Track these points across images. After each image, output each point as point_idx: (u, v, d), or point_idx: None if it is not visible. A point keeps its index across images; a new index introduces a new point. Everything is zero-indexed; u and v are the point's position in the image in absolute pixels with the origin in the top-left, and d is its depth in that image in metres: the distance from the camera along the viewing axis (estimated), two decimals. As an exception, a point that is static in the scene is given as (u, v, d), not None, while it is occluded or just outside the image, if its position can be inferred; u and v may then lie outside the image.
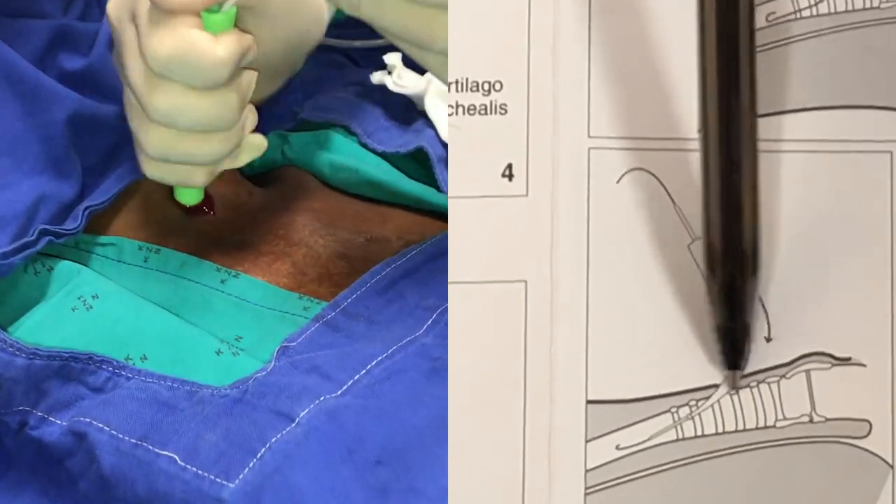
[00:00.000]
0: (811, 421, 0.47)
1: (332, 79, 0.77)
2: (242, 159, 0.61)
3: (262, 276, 0.65)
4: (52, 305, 0.61)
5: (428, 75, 0.68)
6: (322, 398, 0.52)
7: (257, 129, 0.76)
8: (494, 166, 0.47)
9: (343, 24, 0.79)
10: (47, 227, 0.62)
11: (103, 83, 0.68)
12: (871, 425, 0.47)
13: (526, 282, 0.47)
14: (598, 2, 0.48)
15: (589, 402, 0.47)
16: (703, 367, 0.47)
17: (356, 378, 0.53)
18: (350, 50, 0.79)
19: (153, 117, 0.57)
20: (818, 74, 0.47)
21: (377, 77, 0.70)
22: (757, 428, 0.47)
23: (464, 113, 0.47)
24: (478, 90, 0.47)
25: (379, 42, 0.75)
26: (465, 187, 0.47)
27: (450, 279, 0.47)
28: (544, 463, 0.47)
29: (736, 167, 0.44)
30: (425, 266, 0.60)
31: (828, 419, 0.47)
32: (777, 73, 0.48)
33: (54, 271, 0.63)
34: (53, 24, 0.70)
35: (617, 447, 0.47)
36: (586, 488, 0.47)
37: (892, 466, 0.47)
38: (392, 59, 0.69)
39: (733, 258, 0.45)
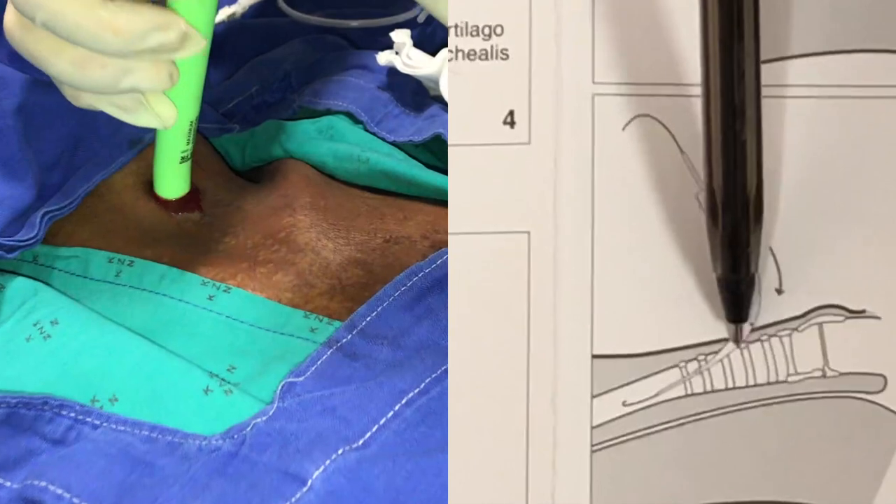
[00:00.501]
0: (824, 376, 0.46)
1: (330, 62, 0.69)
2: (138, 118, 0.50)
3: (259, 291, 0.54)
4: (1, 334, 0.51)
5: (442, 54, 0.62)
6: (340, 451, 0.43)
7: (249, 120, 0.66)
8: (495, 113, 0.46)
9: (339, 4, 0.73)
10: None
11: None
12: (885, 380, 0.45)
13: (529, 233, 0.46)
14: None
15: (594, 356, 0.46)
16: (712, 321, 0.46)
17: (382, 422, 0.44)
18: (347, 31, 0.73)
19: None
20: (827, 17, 0.46)
21: (384, 57, 0.63)
22: (768, 383, 0.46)
23: (464, 58, 0.46)
24: (478, 34, 0.46)
25: (379, 22, 0.70)
26: (466, 135, 0.45)
27: (450, 230, 0.45)
28: (549, 420, 0.45)
29: (739, 113, 0.43)
30: None
31: (841, 374, 0.46)
32: (784, 17, 0.46)
33: (5, 291, 0.53)
34: None
35: (623, 403, 0.46)
36: (592, 445, 0.45)
37: (907, 422, 0.46)
38: (400, 36, 0.62)
39: (736, 206, 0.43)
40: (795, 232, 0.46)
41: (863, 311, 0.46)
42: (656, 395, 0.46)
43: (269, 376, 0.49)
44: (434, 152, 0.64)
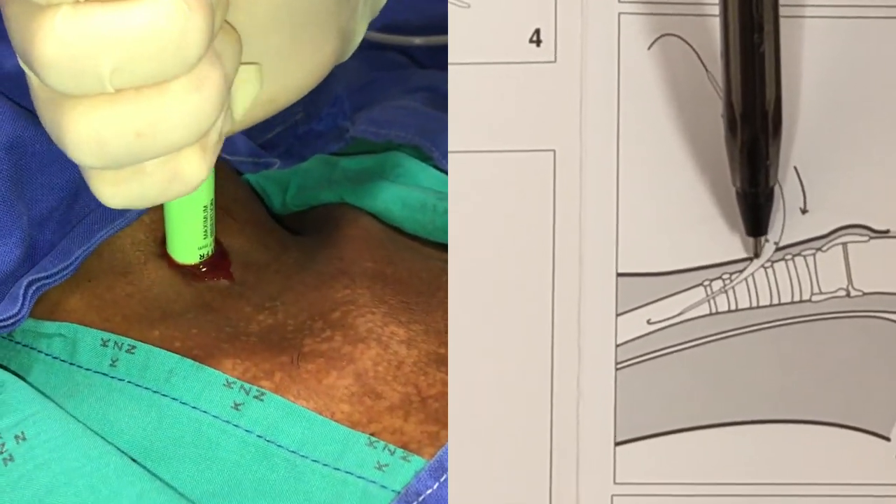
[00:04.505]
0: (848, 295, 0.46)
1: (389, 83, 0.59)
2: (239, 108, 0.39)
3: (304, 399, 0.42)
4: None
5: None
6: None
7: (293, 154, 0.56)
8: (521, 32, 0.46)
9: (400, 14, 0.60)
10: None
11: None
12: None
13: (554, 151, 0.46)
14: None
15: (619, 275, 0.46)
16: (736, 240, 0.46)
17: None
18: (409, 48, 0.63)
19: (53, 80, 0.34)
20: None
21: None
22: (792, 302, 0.46)
23: (490, -24, 0.46)
24: (504, -47, 0.46)
25: (446, 39, 0.62)
26: (492, 53, 0.46)
27: (450, 148, 0.45)
28: (574, 337, 0.46)
29: (757, 25, 0.43)
30: None
31: (865, 293, 0.46)
32: None
33: None
34: None
35: (648, 322, 0.46)
36: (617, 363, 0.46)
37: (931, 341, 0.46)
38: None
39: (754, 118, 0.44)
40: (820, 152, 0.46)
41: (887, 231, 0.46)
42: (681, 313, 0.46)
43: None
44: None
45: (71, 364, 0.42)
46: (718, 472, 0.46)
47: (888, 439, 0.46)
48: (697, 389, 0.46)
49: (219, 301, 0.45)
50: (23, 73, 0.38)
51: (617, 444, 0.46)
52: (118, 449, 0.40)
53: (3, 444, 0.39)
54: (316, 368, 0.42)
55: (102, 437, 0.40)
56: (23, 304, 0.42)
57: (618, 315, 0.46)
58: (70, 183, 0.44)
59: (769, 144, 0.44)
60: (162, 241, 0.46)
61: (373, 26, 0.56)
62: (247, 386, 0.41)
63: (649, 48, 0.46)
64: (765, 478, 0.46)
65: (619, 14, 0.46)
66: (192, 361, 0.42)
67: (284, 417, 0.41)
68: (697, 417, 0.46)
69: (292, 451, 0.41)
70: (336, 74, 0.50)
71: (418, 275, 0.48)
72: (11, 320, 0.41)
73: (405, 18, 0.61)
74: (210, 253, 0.46)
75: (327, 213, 0.51)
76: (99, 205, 0.41)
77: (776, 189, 0.46)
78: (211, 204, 0.45)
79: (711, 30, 0.46)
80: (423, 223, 0.51)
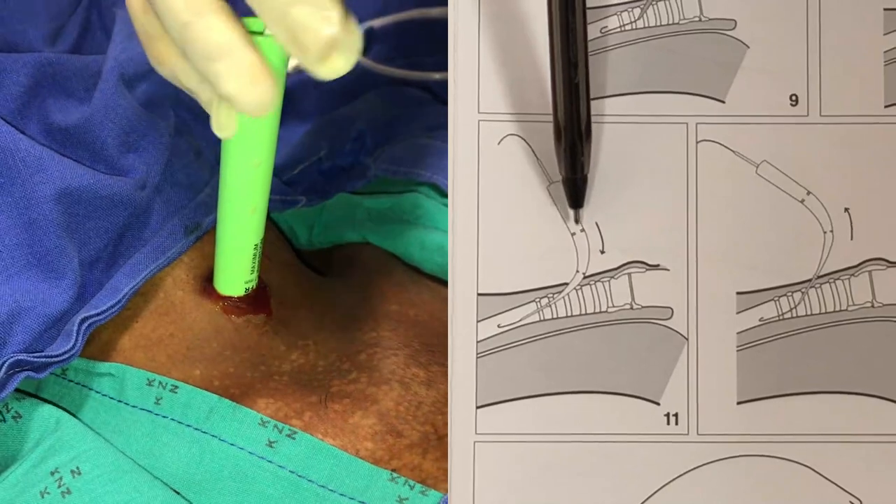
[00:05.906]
0: (632, 308, 0.58)
1: (410, 120, 0.59)
2: (208, 107, 0.37)
3: (331, 437, 0.43)
4: (10, 485, 0.40)
5: None
6: None
7: (317, 190, 0.55)
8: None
9: (422, 51, 0.64)
10: (23, 356, 0.41)
11: (107, 141, 0.45)
12: (672, 310, 0.58)
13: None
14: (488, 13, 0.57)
15: (479, 294, 0.57)
16: (557, 271, 0.58)
17: None
18: (430, 83, 0.64)
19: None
20: (632, 68, 0.58)
21: None
22: (595, 312, 0.57)
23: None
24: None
25: None
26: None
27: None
28: (451, 334, 0.57)
29: (573, 66, 0.53)
30: None
31: (643, 306, 0.58)
32: (603, 68, 0.58)
33: (23, 423, 0.41)
34: (35, 58, 0.49)
35: (498, 325, 0.57)
36: (477, 353, 0.57)
37: (686, 339, 0.58)
38: None
39: (574, 129, 0.54)
40: (615, 213, 0.58)
41: (658, 265, 0.58)
42: (520, 320, 0.57)
43: None
44: None
45: (119, 401, 0.43)
46: (544, 427, 0.57)
47: (659, 404, 0.57)
48: (533, 370, 0.57)
49: (255, 338, 0.45)
50: (72, 126, 0.39)
51: (478, 407, 0.56)
52: (163, 482, 0.41)
53: (61, 479, 0.38)
54: (342, 408, 0.43)
55: (149, 472, 0.41)
56: (76, 340, 0.41)
57: (478, 321, 0.57)
58: (116, 226, 0.44)
59: (583, 146, 0.54)
60: (202, 278, 0.47)
61: (394, 62, 0.61)
62: (280, 425, 0.42)
63: (499, 143, 0.58)
64: (577, 430, 0.58)
65: (479, 121, 0.57)
66: (230, 401, 0.42)
67: (314, 454, 0.42)
68: (534, 387, 0.57)
69: (321, 486, 0.41)
70: (359, 111, 0.57)
71: (438, 316, 0.47)
72: (66, 355, 0.41)
73: (426, 54, 0.62)
74: (254, 287, 0.46)
75: (352, 252, 0.50)
76: (144, 244, 0.44)
77: (582, 232, 0.59)
78: (261, 242, 0.45)
79: (539, 129, 0.58)
80: (440, 265, 0.51)
